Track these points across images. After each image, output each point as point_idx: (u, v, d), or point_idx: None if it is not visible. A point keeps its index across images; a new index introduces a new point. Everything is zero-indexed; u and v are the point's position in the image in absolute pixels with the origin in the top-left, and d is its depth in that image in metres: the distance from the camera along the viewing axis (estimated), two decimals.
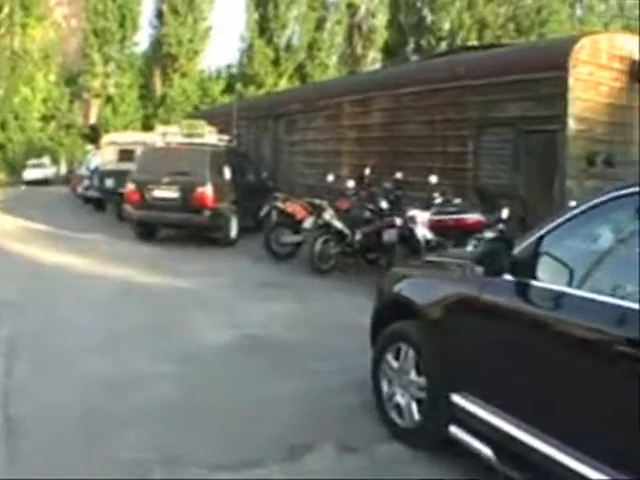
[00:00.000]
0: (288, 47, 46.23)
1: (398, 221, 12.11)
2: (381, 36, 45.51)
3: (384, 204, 13.75)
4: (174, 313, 9.86)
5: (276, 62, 45.72)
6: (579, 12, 45.00)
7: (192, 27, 46.11)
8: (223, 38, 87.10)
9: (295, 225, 14.52)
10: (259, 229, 16.92)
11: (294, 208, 14.58)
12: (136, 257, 14.52)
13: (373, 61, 46.59)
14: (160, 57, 47.10)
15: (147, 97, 49.27)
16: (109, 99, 47.49)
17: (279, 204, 14.85)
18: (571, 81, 12.38)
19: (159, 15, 46.68)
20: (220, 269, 13.67)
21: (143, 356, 7.78)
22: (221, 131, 19.50)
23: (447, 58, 17.04)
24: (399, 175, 14.51)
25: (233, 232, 16.69)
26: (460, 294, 5.44)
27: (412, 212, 12.40)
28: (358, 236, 13.48)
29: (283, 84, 44.17)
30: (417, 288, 6.12)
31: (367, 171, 15.49)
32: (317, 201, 13.85)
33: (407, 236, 12.01)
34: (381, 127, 17.22)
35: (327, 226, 13.35)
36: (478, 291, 5.17)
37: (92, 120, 49.51)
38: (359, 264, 13.88)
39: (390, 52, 44.51)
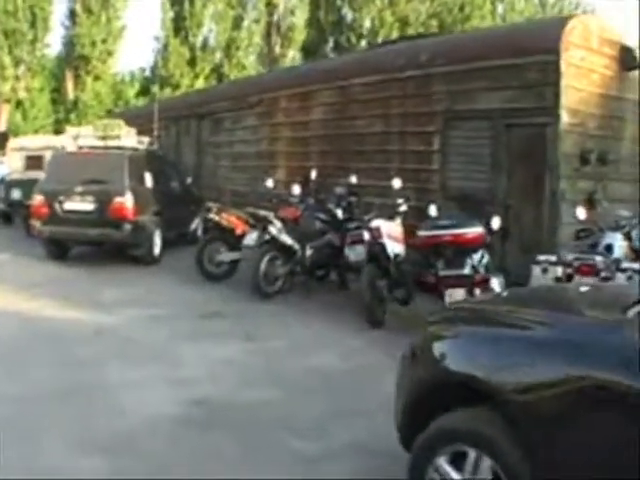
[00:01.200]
0: (204, 47, 43.55)
1: (367, 235, 9.82)
2: (300, 34, 43.21)
3: (339, 212, 11.56)
4: (94, 366, 7.35)
5: (192, 62, 43.00)
6: (500, 9, 43.49)
7: (106, 26, 42.88)
8: (138, 39, 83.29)
9: (232, 240, 12.09)
10: (183, 242, 14.52)
11: (232, 221, 12.12)
12: (45, 282, 11.80)
13: (292, 60, 44.17)
14: (72, 59, 43.76)
15: (59, 101, 45.91)
16: (19, 104, 44.07)
17: (213, 216, 12.26)
18: (563, 67, 10.27)
19: (72, 15, 43.34)
20: (146, 296, 11.07)
21: (53, 443, 5.37)
22: (140, 132, 16.90)
23: (406, 43, 14.67)
24: (353, 179, 12.27)
25: (157, 248, 14.05)
26: (583, 376, 3.24)
27: (376, 222, 10.19)
28: (308, 251, 11.23)
29: (199, 85, 41.48)
30: (484, 357, 3.82)
31: (313, 174, 13.20)
32: (262, 212, 11.47)
33: (377, 253, 9.77)
34: (326, 124, 14.83)
35: (274, 241, 11.03)
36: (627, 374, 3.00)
37: (2, 126, 46.02)
38: (306, 282, 11.62)
39: (309, 51, 42.37)
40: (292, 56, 44.91)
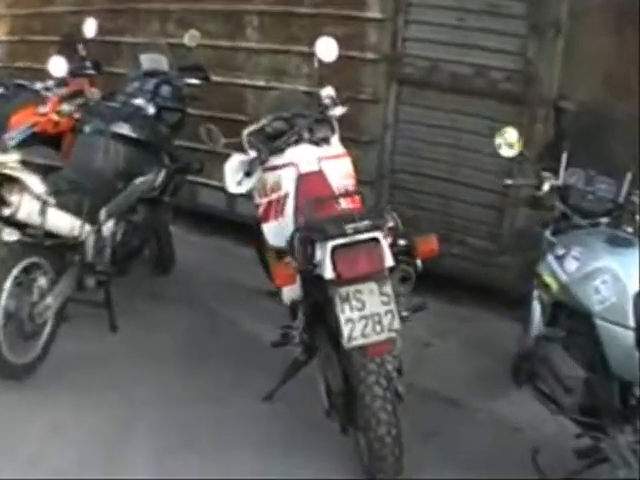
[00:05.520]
0: None
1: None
2: None
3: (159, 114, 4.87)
4: None
5: None
6: None
7: None
8: None
9: None
10: None
11: None
12: None
13: None
14: None
15: None
16: None
17: None
18: None
19: None
20: None
21: None
22: None
23: None
24: (189, 38, 5.27)
25: None
26: None
27: (297, 150, 3.67)
28: (109, 227, 4.34)
29: None
30: None
31: (90, 29, 5.72)
32: None
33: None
34: None
35: (31, 234, 3.77)
36: None
37: None
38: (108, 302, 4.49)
39: None
40: None
